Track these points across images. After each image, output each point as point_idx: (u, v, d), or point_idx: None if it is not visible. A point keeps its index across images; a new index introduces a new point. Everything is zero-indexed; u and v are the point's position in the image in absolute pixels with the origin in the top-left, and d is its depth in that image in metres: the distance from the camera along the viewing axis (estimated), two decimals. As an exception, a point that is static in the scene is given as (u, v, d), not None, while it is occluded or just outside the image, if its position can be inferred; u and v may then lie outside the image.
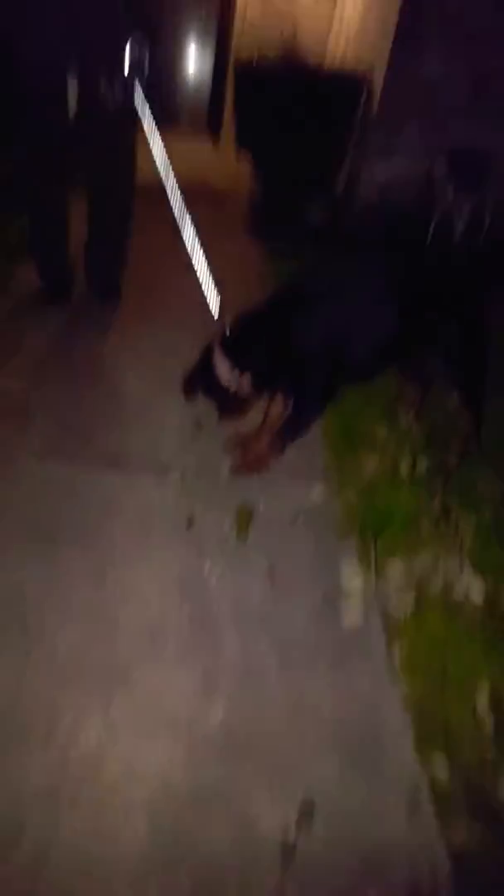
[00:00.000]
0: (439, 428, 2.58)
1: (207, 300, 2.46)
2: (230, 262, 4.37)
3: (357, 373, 2.26)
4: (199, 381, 2.23)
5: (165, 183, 2.49)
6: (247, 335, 2.16)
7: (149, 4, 2.83)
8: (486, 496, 2.22)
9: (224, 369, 2.11)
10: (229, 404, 2.25)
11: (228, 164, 6.78)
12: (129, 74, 2.63)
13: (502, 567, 1.93)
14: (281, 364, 2.14)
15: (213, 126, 8.56)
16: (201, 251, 2.47)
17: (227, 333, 2.19)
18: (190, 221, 2.48)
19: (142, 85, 2.60)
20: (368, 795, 1.41)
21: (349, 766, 1.46)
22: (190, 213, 2.49)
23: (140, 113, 2.72)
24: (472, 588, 1.66)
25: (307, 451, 2.46)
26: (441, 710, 1.57)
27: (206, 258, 2.46)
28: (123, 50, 2.58)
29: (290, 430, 2.22)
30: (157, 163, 2.46)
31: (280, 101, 5.43)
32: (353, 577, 1.77)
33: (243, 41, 7.89)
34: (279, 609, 1.83)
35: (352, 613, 1.72)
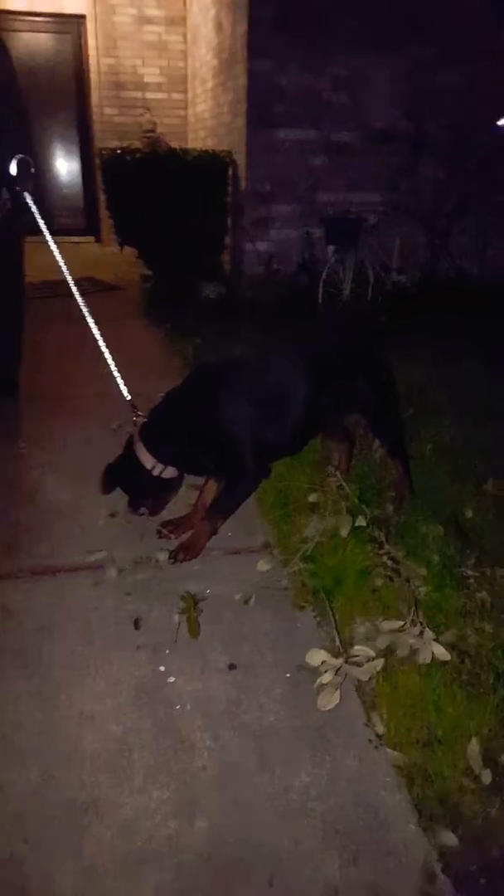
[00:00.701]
0: (369, 482, 2.62)
1: (115, 386, 2.44)
2: (132, 347, 4.39)
3: (282, 447, 2.30)
4: (121, 474, 2.21)
5: (65, 275, 2.60)
6: (167, 425, 2.16)
7: (15, 117, 2.96)
8: (430, 539, 2.24)
9: (148, 461, 2.13)
10: (152, 495, 2.27)
11: (113, 257, 6.89)
12: (17, 187, 2.81)
13: (462, 611, 1.93)
14: (205, 449, 2.14)
15: (90, 223, 8.74)
16: (100, 338, 2.49)
17: (147, 424, 2.18)
18: (87, 311, 2.52)
19: (31, 194, 2.79)
20: (380, 891, 1.31)
21: (352, 862, 1.35)
22: (85, 306, 2.53)
23: (28, 220, 2.83)
24: (438, 649, 1.64)
25: (243, 527, 2.42)
26: (436, 775, 1.50)
27: (108, 345, 2.47)
28: (6, 167, 2.76)
29: (223, 508, 2.20)
30: (56, 258, 2.59)
31: (150, 189, 5.61)
32: (315, 652, 1.70)
33: (104, 137, 8.21)
34: (247, 701, 1.73)
35: (323, 690, 1.64)
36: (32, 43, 7.98)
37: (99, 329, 2.49)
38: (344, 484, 2.27)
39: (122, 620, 2.00)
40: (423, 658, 1.64)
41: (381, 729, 1.62)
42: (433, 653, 1.63)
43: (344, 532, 2.09)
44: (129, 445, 2.21)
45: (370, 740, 1.61)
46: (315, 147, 5.66)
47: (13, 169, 2.72)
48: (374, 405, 2.41)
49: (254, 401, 2.12)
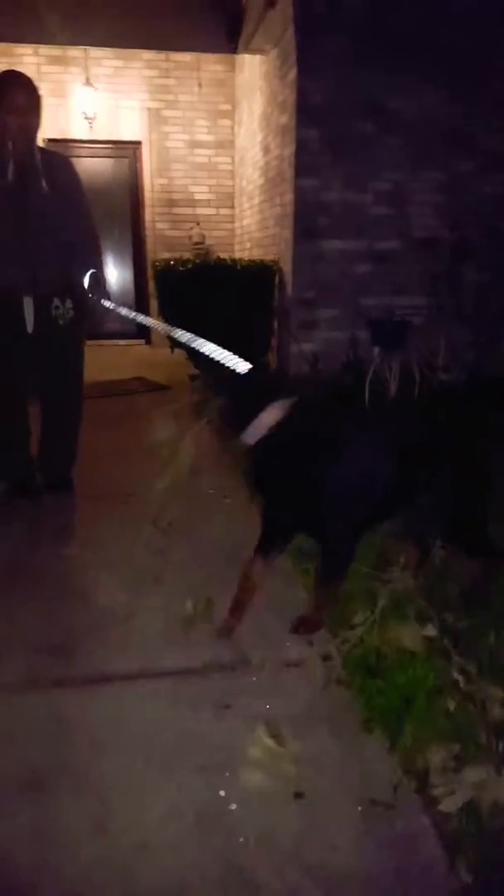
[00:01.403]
0: (439, 587, 2.48)
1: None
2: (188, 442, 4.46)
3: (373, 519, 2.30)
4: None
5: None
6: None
7: (89, 238, 3.36)
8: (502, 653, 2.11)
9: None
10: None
11: (163, 359, 7.16)
12: (89, 295, 3.15)
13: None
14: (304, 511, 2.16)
15: (142, 327, 9.18)
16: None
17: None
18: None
19: (105, 299, 3.13)
20: None
21: None
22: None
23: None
24: None
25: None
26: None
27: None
28: (73, 276, 3.14)
29: (331, 579, 2.23)
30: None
31: (199, 296, 5.88)
32: (386, 776, 1.57)
33: (156, 249, 8.77)
34: (316, 835, 1.59)
35: (398, 824, 1.51)
36: (92, 167, 8.69)
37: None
38: (409, 585, 2.18)
39: (180, 735, 1.90)
40: None
41: (467, 876, 1.46)
42: None
43: (410, 643, 1.99)
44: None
45: (454, 890, 1.45)
46: (359, 256, 5.90)
47: (86, 283, 3.01)
48: (456, 493, 2.27)
49: (354, 468, 2.11)
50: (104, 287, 3.18)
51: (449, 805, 1.54)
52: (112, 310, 3.07)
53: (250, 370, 2.15)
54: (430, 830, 1.57)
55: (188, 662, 2.20)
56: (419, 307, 5.91)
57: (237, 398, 2.19)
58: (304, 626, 2.27)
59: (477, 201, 5.93)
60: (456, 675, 1.90)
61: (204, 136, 8.86)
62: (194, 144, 8.87)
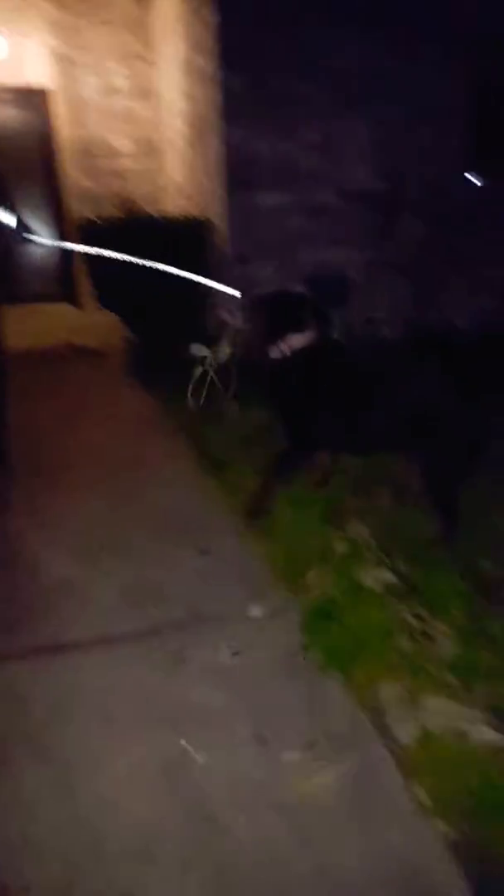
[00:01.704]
0: (395, 536, 2.53)
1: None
2: (123, 411, 4.39)
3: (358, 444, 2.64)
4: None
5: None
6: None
7: None
8: (451, 594, 2.19)
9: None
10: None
11: (94, 323, 6.92)
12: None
13: (499, 670, 1.87)
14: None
15: (67, 290, 8.83)
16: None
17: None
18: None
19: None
20: None
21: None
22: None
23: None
24: (491, 734, 1.58)
25: (258, 591, 2.36)
26: (484, 842, 1.44)
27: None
28: None
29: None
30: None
31: (128, 254, 5.67)
32: (342, 716, 1.64)
33: (79, 206, 8.36)
34: (278, 773, 1.65)
35: (355, 757, 1.58)
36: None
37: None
38: (366, 535, 2.24)
39: (138, 697, 1.92)
40: (479, 739, 1.58)
41: (423, 797, 1.55)
42: (483, 737, 1.57)
43: (377, 586, 2.05)
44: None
45: (413, 811, 1.54)
46: (293, 209, 5.81)
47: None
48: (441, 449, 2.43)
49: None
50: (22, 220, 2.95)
51: (404, 735, 1.61)
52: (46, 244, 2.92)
53: (280, 293, 2.71)
54: (388, 759, 1.65)
55: (142, 625, 2.20)
56: (357, 262, 5.91)
57: (268, 318, 2.61)
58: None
59: (411, 150, 5.90)
60: (409, 617, 1.97)
61: (121, 83, 8.44)
62: (110, 91, 8.43)
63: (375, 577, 2.07)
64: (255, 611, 2.25)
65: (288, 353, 2.53)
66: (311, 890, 1.38)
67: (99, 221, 6.00)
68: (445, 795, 1.54)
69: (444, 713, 1.63)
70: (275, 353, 2.55)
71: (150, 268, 5.64)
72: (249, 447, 3.45)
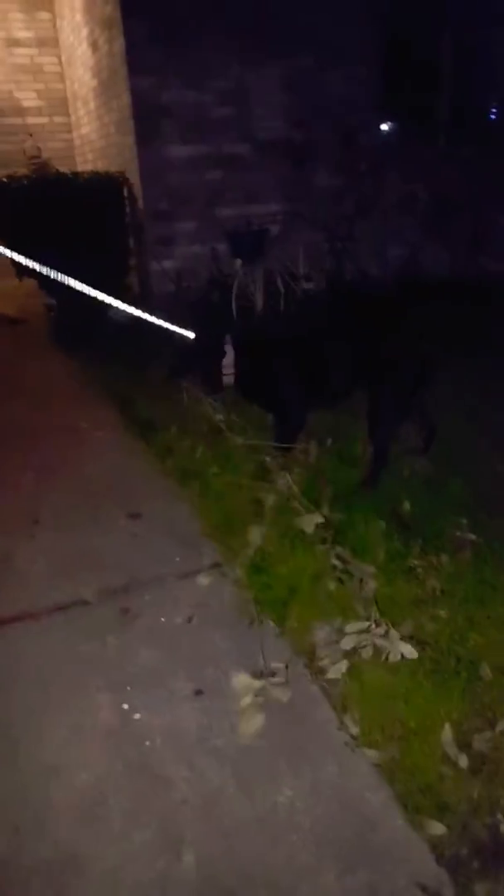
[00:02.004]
0: (320, 486, 2.59)
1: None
2: (45, 380, 4.27)
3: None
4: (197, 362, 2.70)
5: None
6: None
7: None
8: (373, 535, 2.27)
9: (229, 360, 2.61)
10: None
11: (11, 290, 6.64)
12: None
13: (416, 601, 1.97)
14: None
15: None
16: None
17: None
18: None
19: None
20: (379, 893, 1.30)
21: (348, 869, 1.35)
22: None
23: None
24: (406, 647, 1.66)
25: (190, 549, 2.39)
26: (415, 767, 1.52)
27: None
28: None
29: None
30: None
31: (42, 216, 5.44)
32: (277, 661, 1.69)
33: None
34: (218, 725, 1.69)
35: (244, 714, 1.63)
36: None
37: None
38: (292, 484, 2.27)
39: (72, 658, 1.92)
40: (394, 657, 1.66)
41: (355, 730, 1.62)
42: (402, 653, 1.65)
43: (309, 528, 2.09)
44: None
45: (346, 743, 1.61)
46: (208, 162, 5.68)
47: None
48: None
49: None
50: None
51: (335, 672, 1.67)
52: None
53: (196, 337, 2.65)
54: (320, 697, 1.72)
55: (78, 594, 2.19)
56: (274, 214, 5.85)
57: (201, 362, 2.68)
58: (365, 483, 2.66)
59: (322, 99, 5.83)
60: (334, 560, 2.02)
61: (22, 33, 7.96)
62: (11, 42, 7.95)
63: (303, 525, 2.12)
64: (190, 569, 2.27)
65: (232, 371, 2.63)
66: (257, 834, 1.42)
67: (8, 182, 5.70)
68: (375, 725, 1.62)
69: (369, 647, 1.69)
70: (228, 380, 2.65)
71: (66, 229, 5.45)
72: (178, 409, 3.44)
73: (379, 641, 1.68)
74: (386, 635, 1.68)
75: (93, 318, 5.53)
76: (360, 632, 1.70)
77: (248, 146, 5.78)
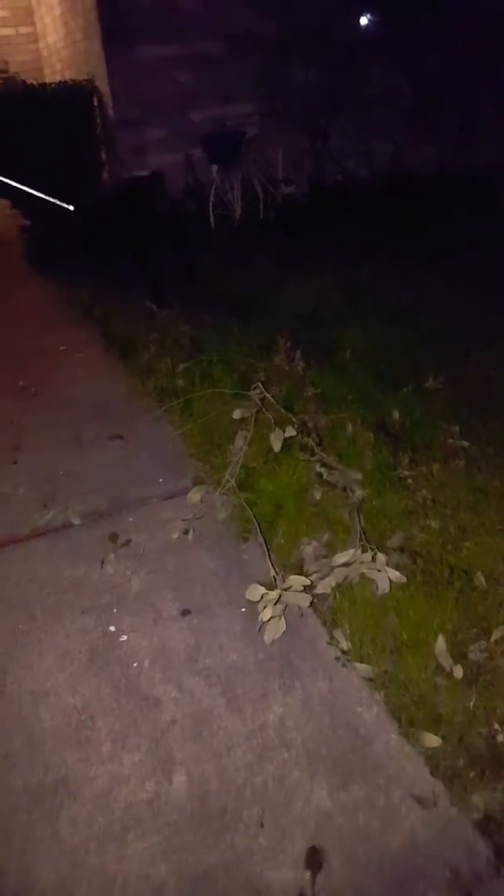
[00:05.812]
0: (298, 395, 2.51)
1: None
2: (25, 302, 4.12)
3: None
4: None
5: None
6: None
7: None
8: (361, 445, 2.18)
9: None
10: None
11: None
12: None
13: (406, 511, 1.89)
14: None
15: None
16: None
17: None
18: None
19: None
20: (374, 807, 1.28)
21: (341, 785, 1.32)
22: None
23: None
24: (394, 574, 1.60)
25: (174, 469, 2.32)
26: (408, 679, 1.48)
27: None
28: None
29: None
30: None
31: (11, 132, 5.17)
32: (253, 588, 1.63)
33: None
34: (207, 645, 1.65)
35: (267, 625, 1.58)
36: None
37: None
38: (267, 395, 2.16)
39: (58, 583, 1.88)
40: (382, 589, 1.60)
41: (345, 645, 1.58)
42: (390, 580, 1.59)
43: (277, 446, 2.00)
44: None
45: (337, 658, 1.57)
46: (178, 62, 5.27)
47: None
48: None
49: None
50: None
51: (324, 587, 1.62)
52: None
53: None
54: (309, 612, 1.67)
55: (61, 518, 2.12)
56: (250, 114, 5.46)
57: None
58: None
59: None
60: (319, 469, 1.94)
61: None
62: None
63: (272, 442, 2.02)
64: (174, 489, 2.19)
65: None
66: (248, 752, 1.40)
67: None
68: (366, 639, 1.58)
69: (359, 560, 1.63)
70: None
71: (36, 143, 5.14)
72: (157, 328, 3.30)
73: (366, 571, 1.61)
74: (373, 561, 1.60)
75: (69, 234, 5.28)
76: (347, 563, 1.61)
77: (220, 43, 5.35)
